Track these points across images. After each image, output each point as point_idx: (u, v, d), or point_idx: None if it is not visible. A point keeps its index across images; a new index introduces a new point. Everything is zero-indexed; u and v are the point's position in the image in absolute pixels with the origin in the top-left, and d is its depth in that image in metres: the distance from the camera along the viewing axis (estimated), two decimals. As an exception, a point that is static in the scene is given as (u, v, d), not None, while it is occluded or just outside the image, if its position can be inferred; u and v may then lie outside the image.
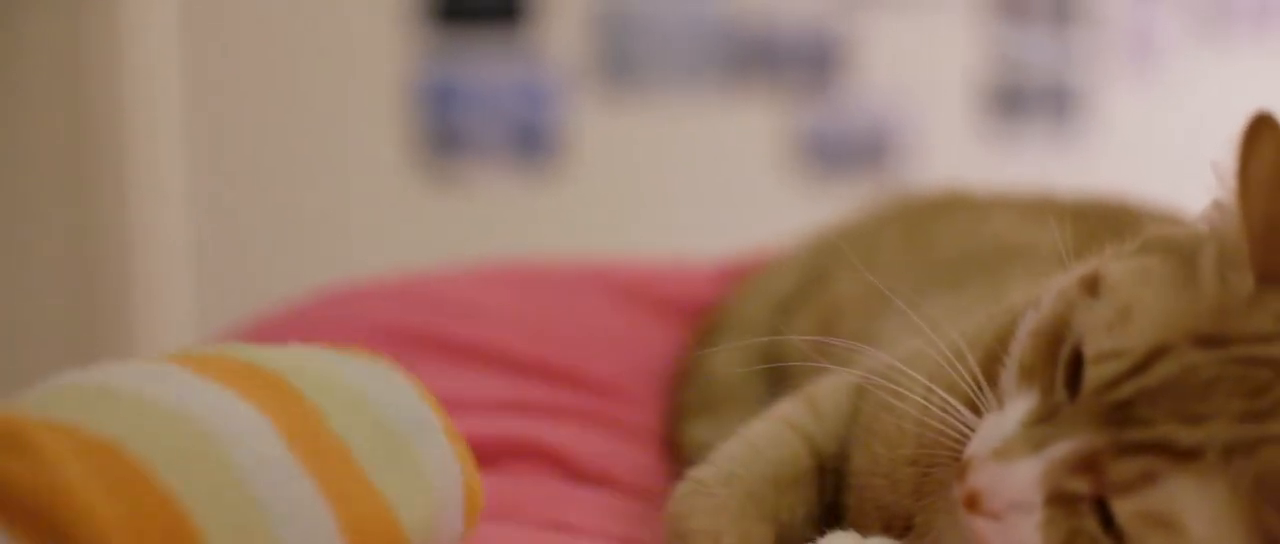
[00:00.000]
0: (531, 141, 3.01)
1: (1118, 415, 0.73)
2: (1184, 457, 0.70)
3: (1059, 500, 0.74)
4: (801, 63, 3.28)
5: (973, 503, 0.76)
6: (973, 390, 0.82)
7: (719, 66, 3.18)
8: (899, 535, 0.88)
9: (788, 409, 0.98)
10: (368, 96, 2.87)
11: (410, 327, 1.40)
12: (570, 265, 1.65)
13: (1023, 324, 0.83)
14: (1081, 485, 0.73)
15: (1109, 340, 0.75)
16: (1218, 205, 0.79)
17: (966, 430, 0.81)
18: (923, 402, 0.85)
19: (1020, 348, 0.81)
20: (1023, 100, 3.57)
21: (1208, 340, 0.73)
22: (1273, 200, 0.75)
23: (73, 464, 0.64)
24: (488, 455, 1.13)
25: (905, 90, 3.40)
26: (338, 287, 1.60)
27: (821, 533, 0.87)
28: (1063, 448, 0.74)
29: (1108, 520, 0.73)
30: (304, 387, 0.75)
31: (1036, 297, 0.84)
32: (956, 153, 3.46)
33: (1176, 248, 0.79)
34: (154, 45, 2.61)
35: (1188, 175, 3.08)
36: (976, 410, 0.82)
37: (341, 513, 0.70)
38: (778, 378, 1.26)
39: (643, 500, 1.08)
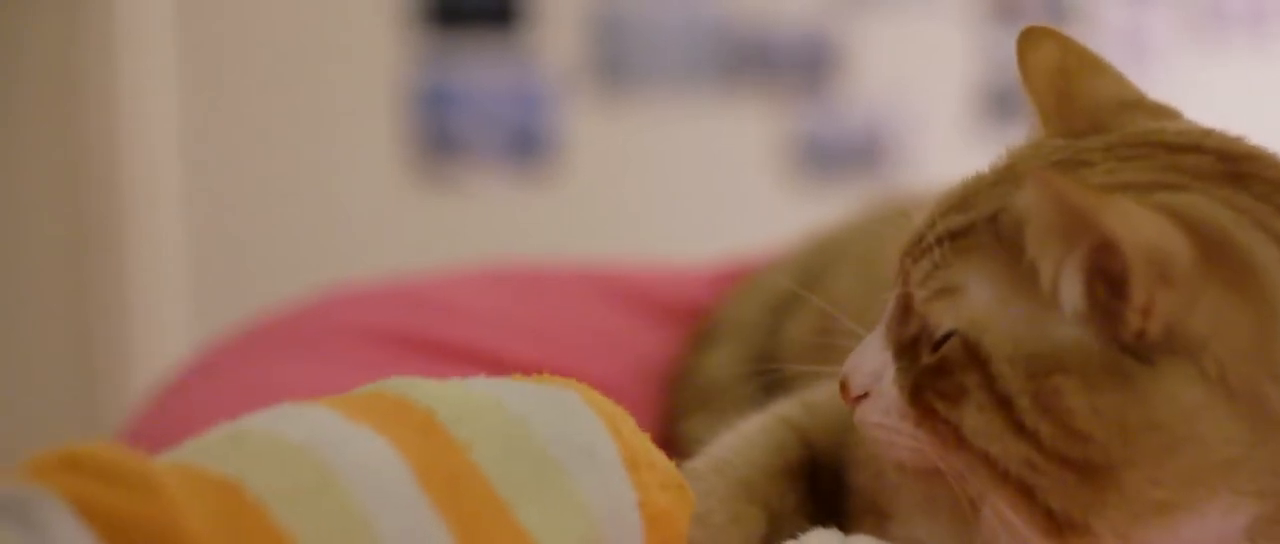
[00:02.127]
0: (526, 145, 3.01)
1: (916, 243, 0.80)
2: (960, 235, 0.77)
3: (903, 351, 0.79)
4: (796, 66, 3.28)
5: (845, 392, 0.82)
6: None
7: (713, 70, 3.18)
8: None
9: (782, 407, 0.99)
10: (363, 100, 2.87)
11: (404, 329, 1.40)
12: (565, 268, 1.65)
13: None
14: (912, 324, 0.79)
15: (922, 213, 0.83)
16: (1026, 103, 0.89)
17: None
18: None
19: None
20: (1016, 103, 3.57)
21: (992, 171, 0.82)
22: (1053, 80, 0.87)
23: (191, 503, 0.64)
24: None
25: (899, 93, 3.40)
26: (332, 289, 1.60)
27: None
28: (891, 303, 0.81)
29: (933, 342, 0.77)
30: (451, 419, 0.74)
31: None
32: (950, 156, 3.46)
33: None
34: (149, 49, 2.61)
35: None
36: None
37: None
38: (775, 380, 1.27)
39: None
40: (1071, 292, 0.72)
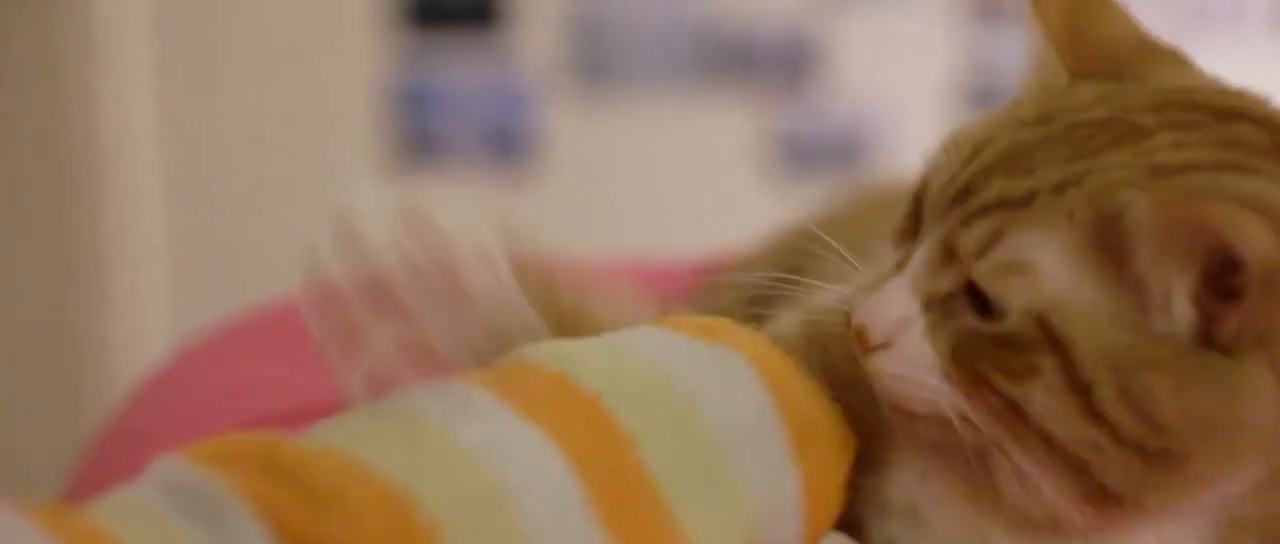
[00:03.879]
0: (507, 145, 3.01)
1: (957, 201, 0.77)
2: (1020, 205, 0.74)
3: (934, 305, 0.77)
4: (777, 65, 3.28)
5: (862, 339, 0.78)
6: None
7: (694, 69, 3.18)
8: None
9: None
10: (342, 100, 2.86)
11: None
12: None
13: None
14: (949, 278, 0.76)
15: (943, 156, 0.80)
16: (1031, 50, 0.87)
17: None
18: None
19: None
20: (998, 101, 3.57)
21: (1032, 121, 0.78)
22: (1066, 13, 0.85)
23: (368, 519, 0.64)
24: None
25: (880, 91, 3.40)
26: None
27: None
28: (920, 253, 0.78)
29: (980, 300, 0.75)
30: (617, 405, 0.73)
31: None
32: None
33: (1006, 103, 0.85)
34: (128, 49, 2.61)
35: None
36: None
37: None
38: None
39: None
40: (1181, 301, 0.72)
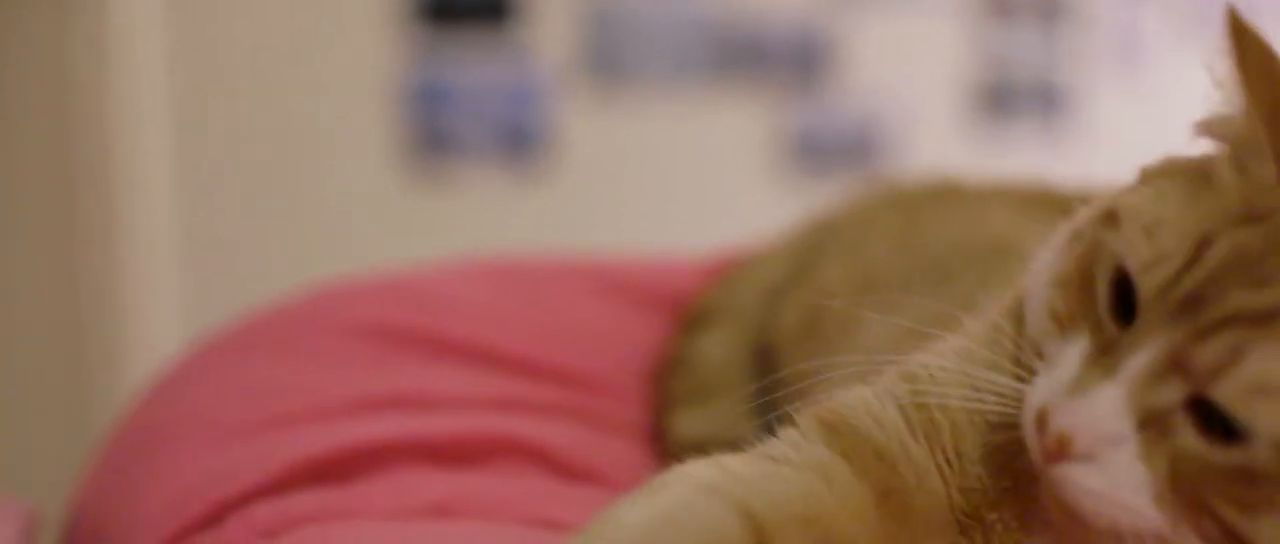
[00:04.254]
0: (519, 141, 3.01)
1: (1186, 309, 0.69)
2: (1264, 320, 0.68)
3: (1151, 421, 0.70)
4: (789, 61, 3.28)
5: (1062, 448, 0.71)
6: (1015, 363, 0.79)
7: (706, 65, 3.18)
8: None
9: (713, 471, 0.80)
10: (355, 96, 2.86)
11: (395, 324, 1.39)
12: (554, 261, 1.65)
13: (1033, 281, 0.80)
14: (1173, 392, 0.69)
15: (1150, 249, 0.72)
16: (1217, 120, 0.78)
17: (1020, 398, 0.77)
18: (968, 390, 0.80)
19: (1044, 302, 0.78)
20: (1010, 99, 3.58)
21: (1249, 219, 0.71)
22: (1277, 85, 0.75)
23: None
24: (473, 452, 1.13)
25: (892, 89, 3.40)
26: (324, 285, 1.60)
27: None
28: (1141, 359, 0.70)
29: (1207, 421, 0.69)
30: None
31: (1038, 254, 0.82)
32: (944, 152, 3.46)
33: (1184, 169, 0.77)
34: (141, 46, 2.61)
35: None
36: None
37: None
38: (767, 367, 1.26)
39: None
40: None
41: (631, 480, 1.13)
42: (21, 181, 2.58)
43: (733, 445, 0.83)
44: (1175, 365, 0.69)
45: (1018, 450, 0.77)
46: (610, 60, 3.08)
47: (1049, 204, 1.18)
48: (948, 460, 0.81)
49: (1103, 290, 0.74)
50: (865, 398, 0.84)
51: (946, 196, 1.43)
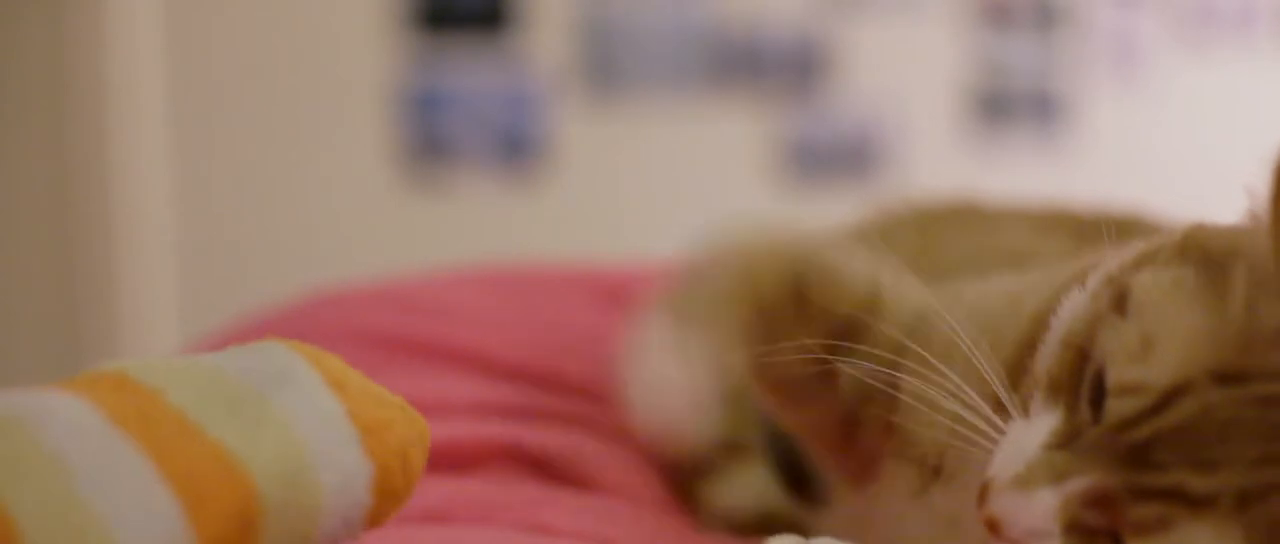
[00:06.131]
0: (516, 147, 3.01)
1: (1134, 455, 0.72)
2: (1198, 504, 0.70)
3: (1076, 529, 0.73)
4: (786, 69, 3.28)
5: (993, 528, 0.75)
6: (1000, 390, 0.81)
7: (703, 72, 3.18)
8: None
9: None
10: (353, 103, 2.87)
11: (391, 330, 1.40)
12: (551, 267, 1.65)
13: (1058, 324, 0.81)
14: (1097, 519, 0.73)
15: (1131, 371, 0.73)
16: (1253, 217, 0.78)
17: (992, 434, 0.80)
18: (955, 387, 0.83)
19: (1051, 357, 0.79)
20: (1007, 106, 3.58)
21: (1229, 377, 0.72)
22: None
23: None
24: (468, 458, 1.13)
25: (889, 96, 3.40)
26: (319, 290, 1.60)
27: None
28: (1079, 482, 0.73)
29: None
30: (142, 374, 0.76)
31: (1065, 285, 0.83)
32: (941, 158, 3.46)
33: (1211, 257, 0.77)
34: (139, 52, 2.61)
35: (1170, 179, 3.09)
36: (1001, 409, 0.81)
37: (164, 463, 0.71)
38: None
39: (623, 502, 1.08)
40: None
41: (627, 487, 1.14)
42: (19, 186, 2.58)
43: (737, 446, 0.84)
44: (1109, 502, 0.72)
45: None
46: (607, 67, 3.08)
47: (1068, 225, 1.19)
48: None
49: (1089, 376, 0.76)
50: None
51: (964, 215, 1.42)
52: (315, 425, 0.77)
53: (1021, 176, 3.48)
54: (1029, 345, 0.83)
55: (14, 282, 2.59)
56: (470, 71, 2.95)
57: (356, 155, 2.86)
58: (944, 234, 1.37)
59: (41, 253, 2.59)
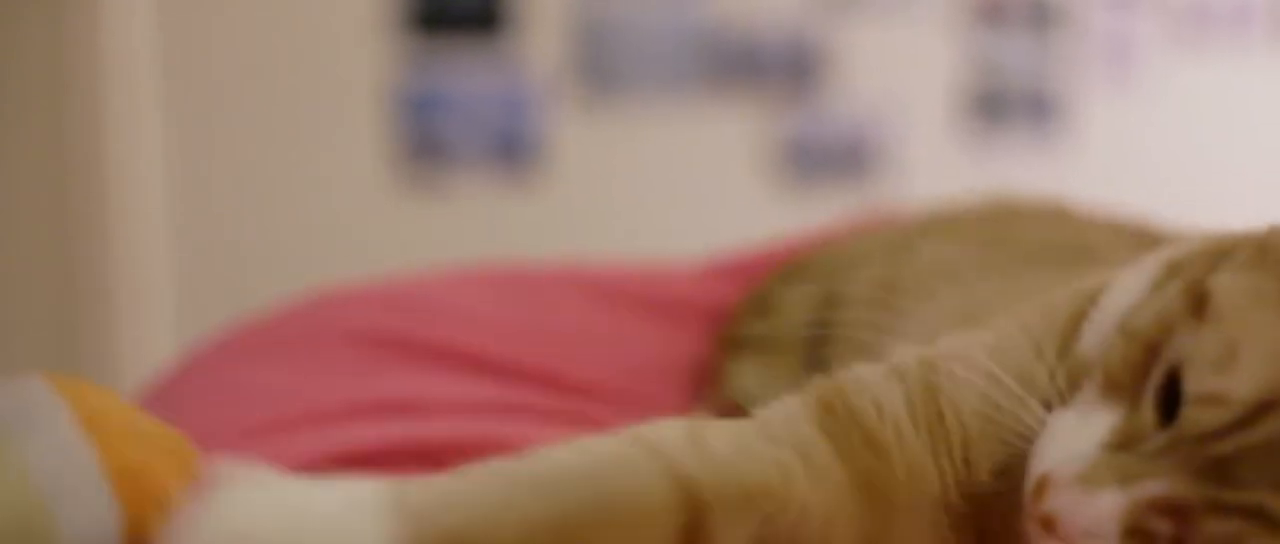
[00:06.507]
0: (512, 149, 3.01)
1: (1215, 468, 0.69)
2: (1278, 527, 0.68)
3: (1136, 535, 0.70)
4: (782, 70, 3.28)
5: (1048, 525, 0.72)
6: (1051, 386, 0.78)
7: (699, 74, 3.18)
8: None
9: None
10: (348, 105, 2.86)
11: (387, 330, 1.39)
12: (549, 267, 1.65)
13: (1110, 302, 0.79)
14: (1164, 527, 0.70)
15: (1214, 380, 0.70)
16: None
17: (1035, 430, 0.77)
18: (988, 395, 0.80)
19: (1109, 349, 0.77)
20: (1002, 106, 3.58)
21: None
22: None
23: None
24: (468, 458, 1.13)
25: (885, 97, 3.40)
26: (316, 292, 1.60)
27: None
28: (1152, 488, 0.70)
29: None
30: None
31: (1120, 279, 0.80)
32: (937, 159, 3.47)
33: None
34: (134, 54, 2.61)
35: (1167, 179, 3.09)
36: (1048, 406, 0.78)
37: None
38: (822, 337, 1.24)
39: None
40: None
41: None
42: (16, 187, 2.58)
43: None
44: (1179, 512, 0.69)
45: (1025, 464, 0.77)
46: (602, 69, 3.08)
47: (1152, 242, 1.14)
48: (951, 459, 0.81)
49: (1158, 377, 0.73)
50: (874, 377, 0.84)
51: (1052, 213, 1.41)
52: (56, 470, 0.74)
53: (1017, 177, 3.48)
54: (1073, 324, 0.81)
55: (11, 282, 2.59)
56: (466, 73, 2.95)
57: (352, 157, 2.86)
58: (1025, 223, 1.36)
59: (39, 253, 2.59)
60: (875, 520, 0.79)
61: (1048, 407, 0.78)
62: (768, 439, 0.79)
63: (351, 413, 1.20)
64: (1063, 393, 0.78)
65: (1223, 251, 0.77)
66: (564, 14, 3.03)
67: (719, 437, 0.78)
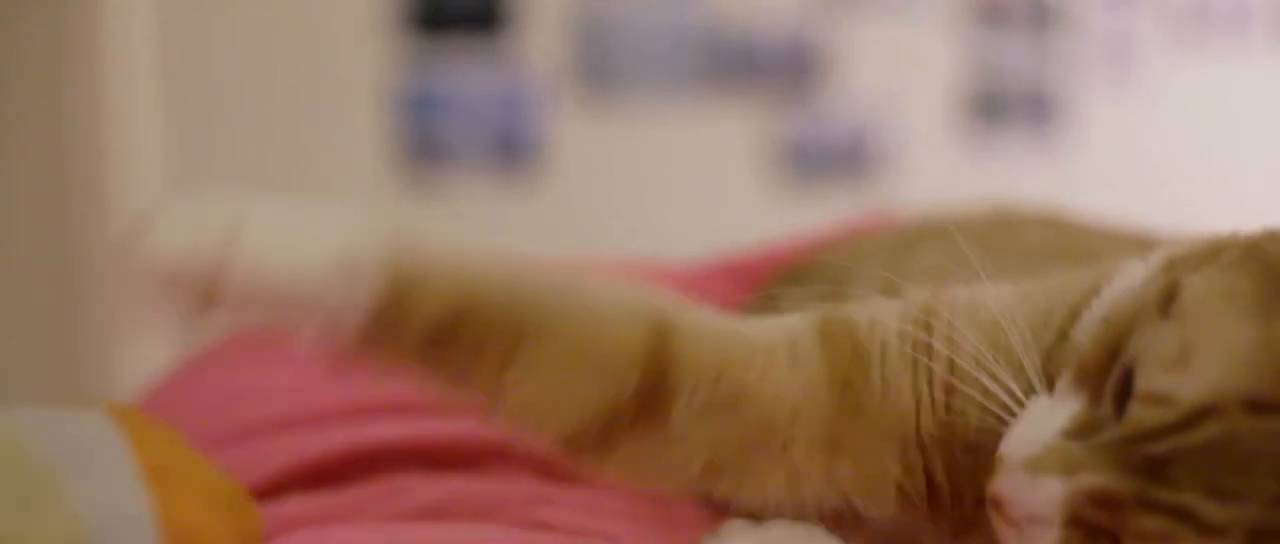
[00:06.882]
0: (511, 149, 3.01)
1: (1150, 467, 0.70)
2: (1206, 531, 0.69)
3: (1078, 523, 0.72)
4: (781, 70, 3.28)
5: (996, 505, 0.75)
6: (1032, 370, 0.80)
7: (698, 74, 3.18)
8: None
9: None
10: (348, 105, 2.86)
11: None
12: (548, 266, 1.65)
13: (1110, 294, 0.80)
14: (1101, 519, 0.71)
15: (1162, 381, 0.71)
16: None
17: (1013, 409, 0.79)
18: (972, 364, 0.82)
19: (1088, 332, 0.78)
20: (1002, 107, 3.58)
21: (1260, 406, 0.69)
22: None
23: None
24: (468, 455, 1.13)
25: (884, 97, 3.40)
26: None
27: None
28: (1089, 480, 0.72)
29: None
30: None
31: (1115, 272, 0.82)
32: (936, 159, 3.47)
33: (1273, 270, 0.74)
34: (134, 54, 2.61)
35: (1166, 179, 3.09)
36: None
37: None
38: None
39: (622, 498, 1.08)
40: None
41: (626, 484, 1.14)
42: (16, 187, 2.58)
43: None
44: (1116, 507, 0.71)
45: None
46: (602, 69, 3.08)
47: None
48: (930, 388, 0.84)
49: (1117, 371, 0.74)
50: (876, 306, 0.88)
51: (1052, 221, 1.42)
52: (108, 520, 0.72)
53: (1017, 177, 3.48)
54: (1074, 315, 0.82)
55: (11, 282, 2.59)
56: (465, 73, 2.95)
57: (352, 157, 2.86)
58: (1026, 229, 1.37)
59: (39, 253, 2.59)
60: (841, 421, 0.84)
61: (1033, 388, 0.79)
62: (755, 329, 0.85)
63: (354, 411, 1.20)
64: (1051, 377, 0.79)
65: (1216, 251, 0.78)
66: (564, 14, 3.03)
67: (706, 319, 0.85)
